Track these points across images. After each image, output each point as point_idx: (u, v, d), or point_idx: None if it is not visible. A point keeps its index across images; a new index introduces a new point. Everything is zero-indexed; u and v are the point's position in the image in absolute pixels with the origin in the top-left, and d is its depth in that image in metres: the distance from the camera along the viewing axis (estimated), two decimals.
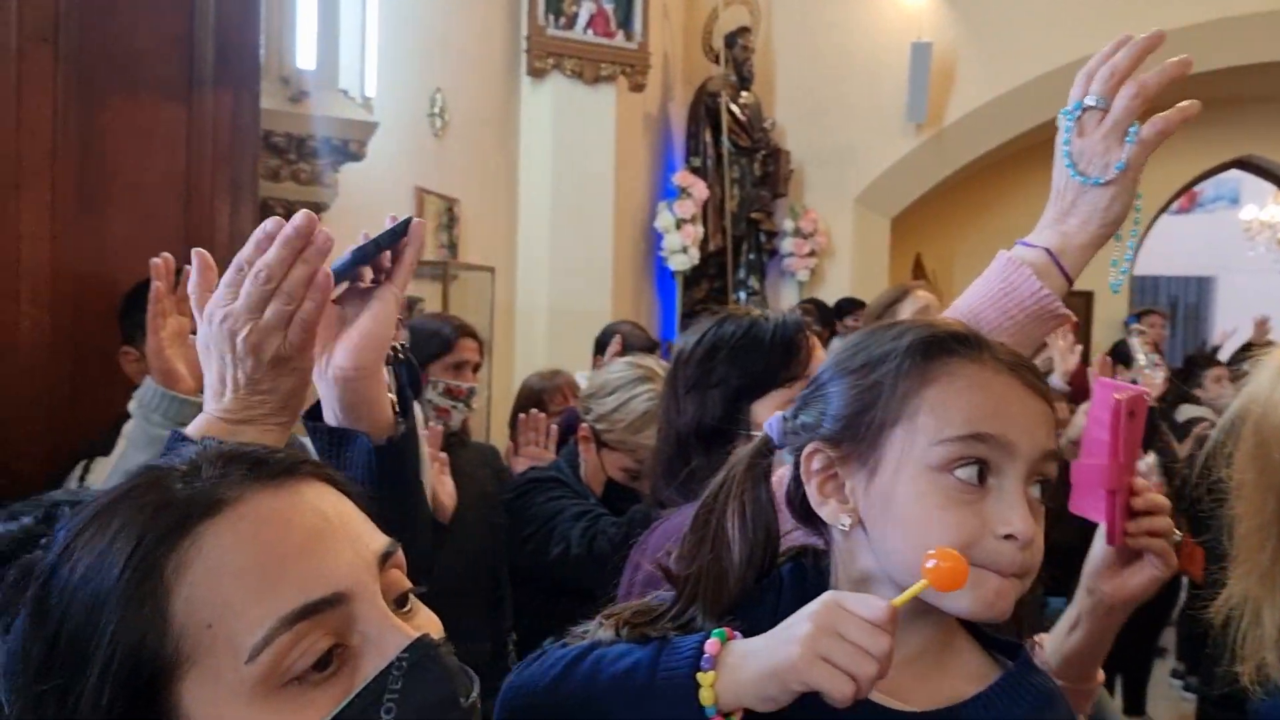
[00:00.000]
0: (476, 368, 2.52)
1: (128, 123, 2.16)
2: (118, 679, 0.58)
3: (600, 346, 3.73)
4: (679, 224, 5.84)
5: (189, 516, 0.60)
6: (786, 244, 6.62)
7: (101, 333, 2.09)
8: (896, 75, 6.49)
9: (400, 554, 0.66)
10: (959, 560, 0.76)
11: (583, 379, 3.60)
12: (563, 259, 5.05)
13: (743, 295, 6.43)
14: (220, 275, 0.89)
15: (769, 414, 1.37)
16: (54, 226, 2.05)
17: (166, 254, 1.65)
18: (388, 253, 0.95)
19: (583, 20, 5.12)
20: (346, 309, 0.95)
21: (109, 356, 2.07)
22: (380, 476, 0.93)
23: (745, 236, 6.41)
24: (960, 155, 6.98)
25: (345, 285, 0.95)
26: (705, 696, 0.77)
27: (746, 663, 0.78)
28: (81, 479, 1.72)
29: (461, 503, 2.29)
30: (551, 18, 5.02)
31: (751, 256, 6.45)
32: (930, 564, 0.76)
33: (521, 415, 2.68)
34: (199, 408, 1.61)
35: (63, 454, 2.01)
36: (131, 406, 1.60)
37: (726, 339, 1.43)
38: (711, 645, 0.80)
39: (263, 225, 0.85)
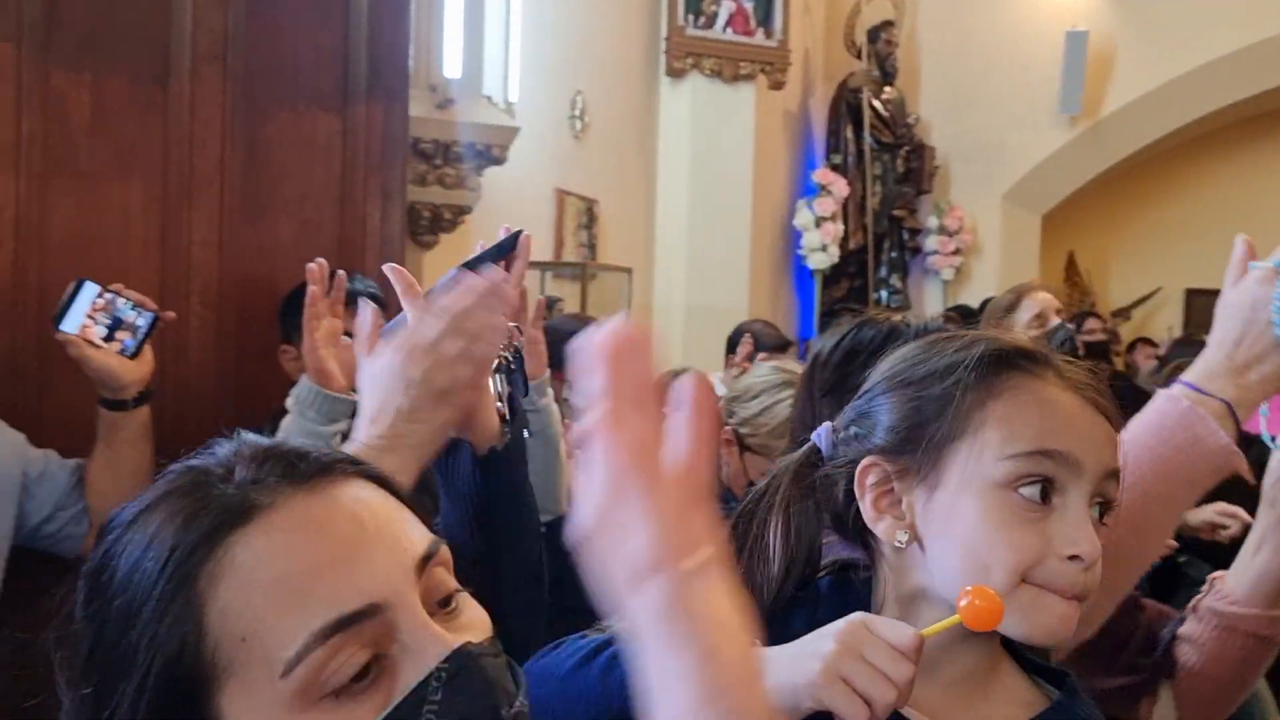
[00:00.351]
0: None
1: (288, 134, 2.29)
2: (156, 689, 0.57)
3: (732, 345, 3.74)
4: (818, 222, 5.78)
5: (221, 525, 0.59)
6: (930, 242, 6.47)
7: (263, 332, 2.23)
8: (1049, 66, 6.25)
9: (444, 552, 0.64)
10: (994, 600, 0.74)
11: (715, 379, 3.63)
12: (699, 258, 5.08)
13: (884, 294, 6.32)
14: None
15: None
16: (222, 232, 2.20)
17: (321, 260, 1.75)
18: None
19: (722, 19, 5.13)
20: None
21: (269, 355, 2.20)
22: (484, 485, 0.97)
23: (887, 234, 6.31)
24: (1118, 148, 6.68)
25: None
26: None
27: (766, 671, 0.77)
28: None
29: None
30: (691, 17, 5.04)
31: (894, 254, 6.34)
32: (964, 601, 0.74)
33: None
34: (350, 405, 1.72)
35: None
36: (289, 403, 1.70)
37: (866, 343, 1.42)
38: None
39: (453, 275, 0.93)
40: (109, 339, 1.71)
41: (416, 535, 0.63)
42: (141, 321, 1.78)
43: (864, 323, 1.45)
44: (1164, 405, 1.07)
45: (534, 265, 3.83)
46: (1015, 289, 3.13)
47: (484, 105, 3.07)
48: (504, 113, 3.17)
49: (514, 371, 1.05)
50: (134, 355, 1.76)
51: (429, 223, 2.94)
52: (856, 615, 0.77)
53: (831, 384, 1.41)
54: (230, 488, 0.61)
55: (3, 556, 1.68)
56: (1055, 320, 2.89)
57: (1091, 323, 6.45)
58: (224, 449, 0.64)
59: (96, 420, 1.81)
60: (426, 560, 0.62)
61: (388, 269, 1.00)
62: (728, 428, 2.26)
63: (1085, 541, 0.78)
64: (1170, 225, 7.90)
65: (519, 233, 0.98)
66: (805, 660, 0.75)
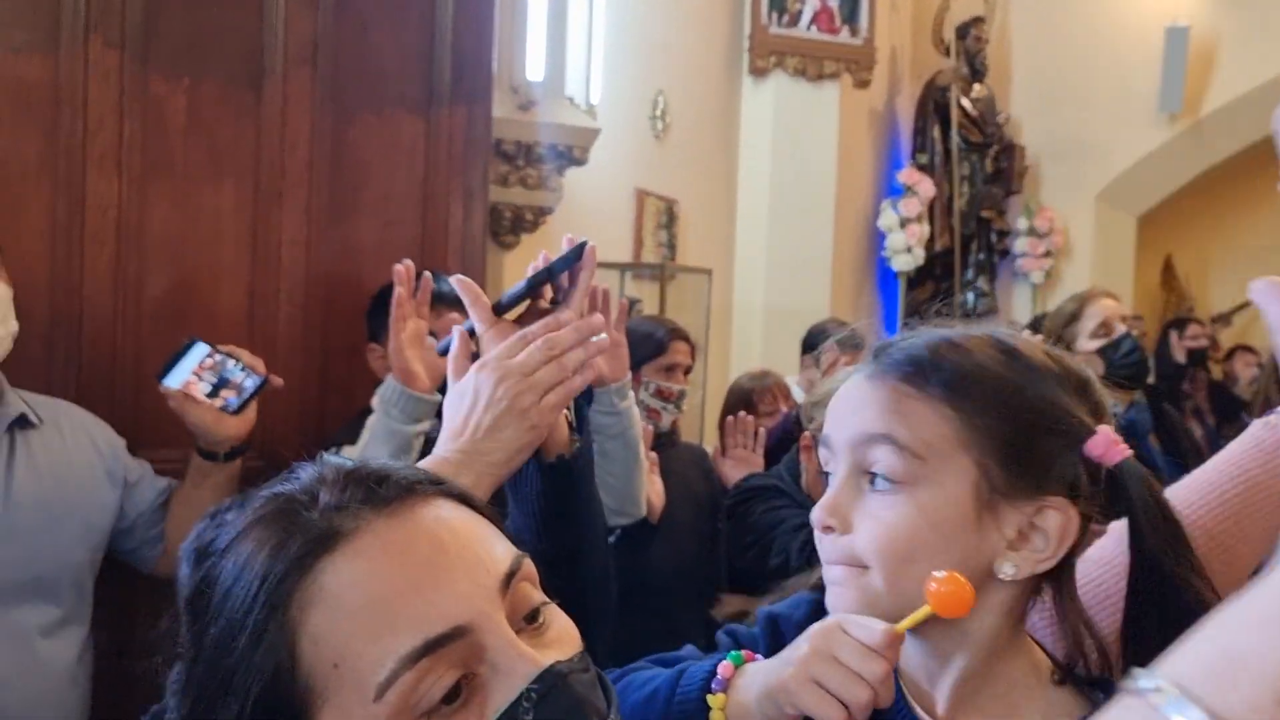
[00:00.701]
0: (688, 370, 2.56)
1: (374, 136, 2.33)
2: (254, 716, 0.59)
3: (807, 346, 3.69)
4: (903, 223, 5.68)
5: (309, 553, 0.60)
6: (1020, 243, 6.32)
7: (348, 331, 2.28)
8: (1148, 62, 6.05)
9: (528, 567, 0.65)
10: (963, 585, 0.74)
11: (792, 381, 3.59)
12: (780, 259, 5.03)
13: (971, 297, 6.19)
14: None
15: None
16: (310, 232, 2.25)
17: (408, 261, 1.78)
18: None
19: (806, 17, 5.08)
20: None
21: (355, 353, 2.25)
22: (552, 492, 0.98)
23: (975, 235, 6.17)
24: (1220, 148, 6.43)
25: (524, 305, 1.01)
26: (715, 719, 0.78)
27: (753, 682, 0.78)
28: None
29: (671, 502, 2.33)
30: (775, 15, 5.00)
31: (981, 256, 6.20)
32: (933, 587, 0.74)
33: (729, 418, 2.70)
34: (433, 405, 1.75)
35: (313, 440, 2.21)
36: (374, 402, 1.74)
37: None
38: (725, 668, 0.80)
39: (556, 314, 0.97)
40: (213, 394, 1.71)
41: (499, 552, 0.64)
42: (249, 383, 1.80)
43: None
44: (1261, 432, 1.05)
45: (613, 266, 3.84)
46: (1077, 296, 3.03)
47: (566, 106, 3.09)
48: (586, 114, 3.18)
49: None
50: (236, 412, 1.78)
51: (510, 223, 2.97)
52: (832, 617, 0.78)
53: None
54: (315, 514, 0.62)
55: (101, 549, 1.74)
56: (1121, 328, 2.78)
57: (1194, 328, 6.22)
58: (307, 473, 0.66)
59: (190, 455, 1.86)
60: (510, 577, 0.63)
61: (455, 281, 1.01)
62: (806, 433, 2.25)
63: (818, 509, 0.84)
64: (1274, 228, 7.58)
65: (584, 243, 0.99)
66: (783, 666, 0.76)
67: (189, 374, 1.71)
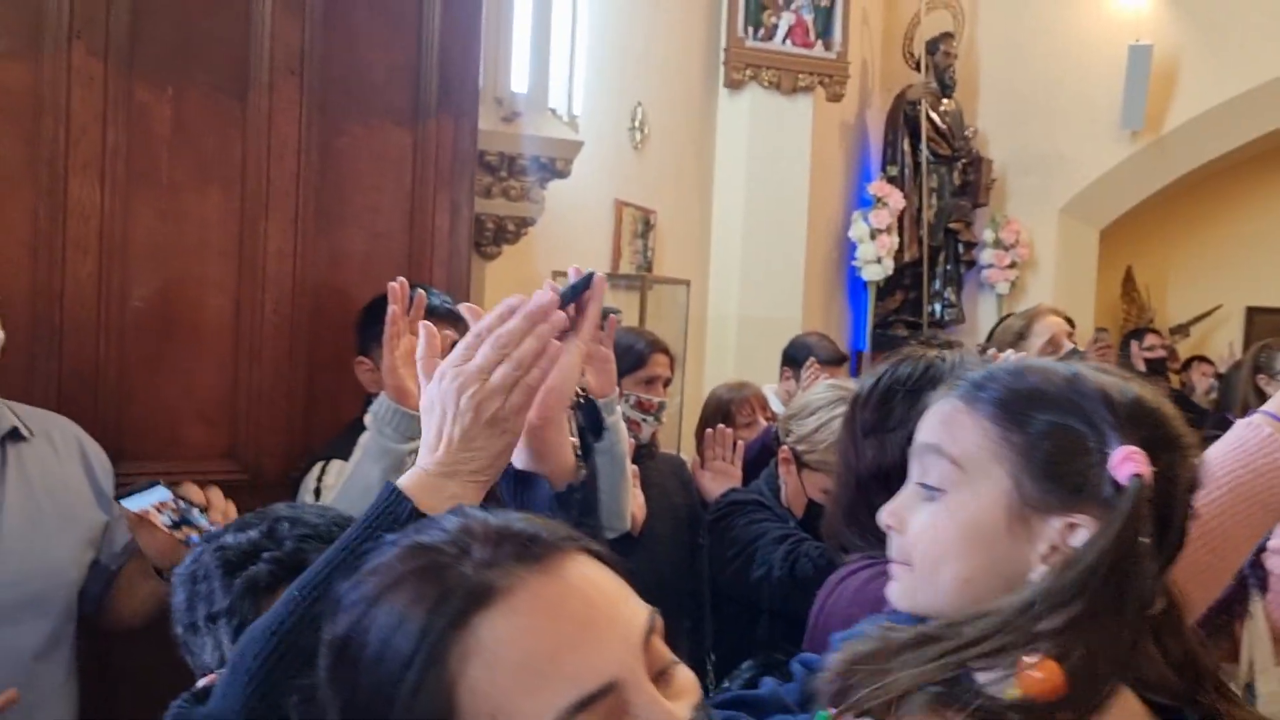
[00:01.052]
0: (667, 382, 2.58)
1: (361, 148, 2.32)
2: None
3: (787, 359, 3.72)
4: (873, 234, 5.74)
5: (467, 608, 0.63)
6: (986, 255, 6.41)
7: (335, 342, 2.26)
8: (1111, 80, 6.16)
9: (659, 621, 0.68)
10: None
11: (770, 391, 3.62)
12: (754, 269, 5.07)
13: (938, 307, 6.27)
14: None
15: None
16: (297, 243, 2.23)
17: (402, 278, 1.78)
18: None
19: (782, 31, 5.12)
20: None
21: (340, 364, 2.24)
22: (563, 519, 0.98)
23: (942, 247, 6.25)
24: (1181, 163, 6.57)
25: None
26: None
27: None
28: (319, 479, 1.87)
29: (651, 514, 2.34)
30: (751, 29, 5.04)
31: (948, 268, 6.28)
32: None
33: (708, 430, 2.71)
34: None
35: (298, 453, 2.20)
36: (367, 419, 1.73)
37: (903, 381, 1.43)
38: None
39: (506, 301, 0.93)
40: (174, 527, 1.61)
41: (635, 607, 0.68)
42: (213, 529, 1.72)
43: (901, 360, 1.46)
44: (1244, 432, 1.10)
45: None
46: (1026, 313, 3.09)
47: (548, 118, 3.09)
48: (568, 126, 3.19)
49: (584, 407, 1.06)
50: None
51: (493, 234, 2.97)
52: None
53: (873, 424, 1.42)
54: (469, 569, 0.65)
55: (87, 567, 1.68)
56: (1068, 345, 2.84)
57: (1152, 338, 6.36)
58: (450, 525, 0.68)
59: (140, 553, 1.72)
60: (649, 633, 0.66)
61: (464, 309, 1.00)
62: (784, 446, 2.26)
63: (884, 511, 0.94)
64: (1232, 242, 7.75)
65: (592, 274, 0.99)
66: None
67: (149, 506, 1.59)
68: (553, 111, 3.14)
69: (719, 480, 2.54)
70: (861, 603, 1.26)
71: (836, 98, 5.38)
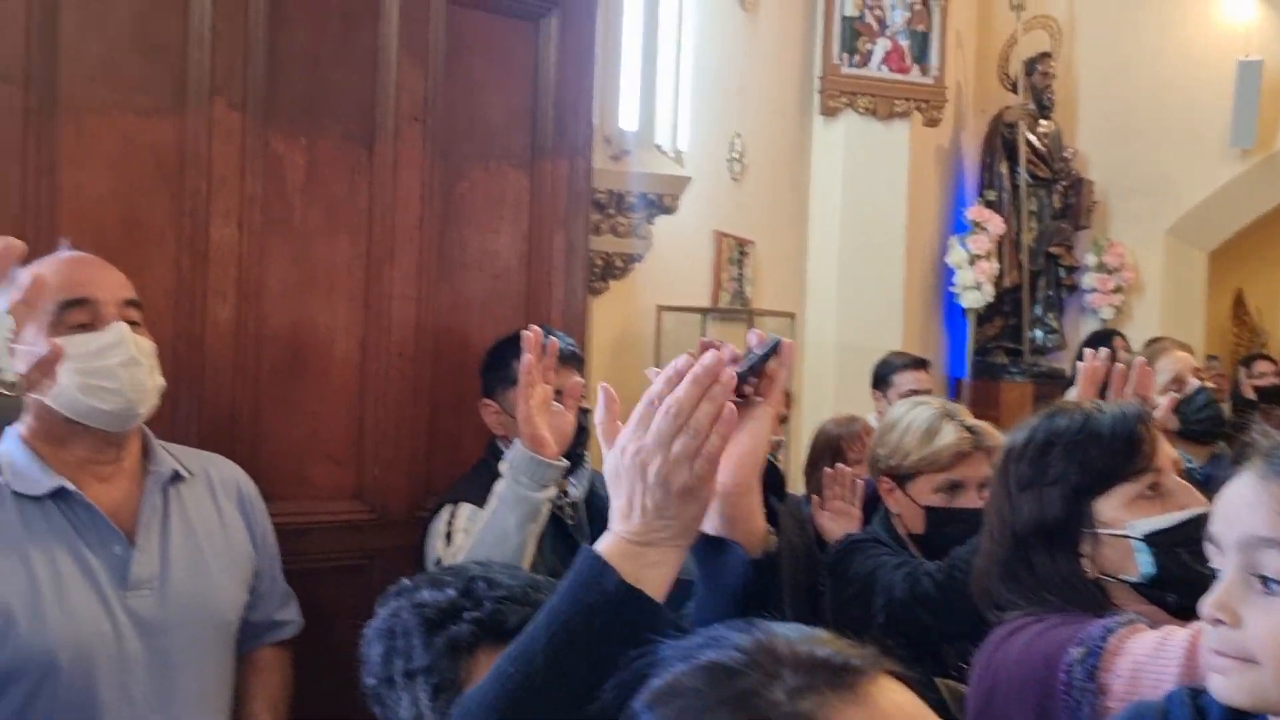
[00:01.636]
0: (785, 419, 2.57)
1: (480, 191, 2.37)
2: None
3: (876, 381, 3.67)
4: (972, 260, 5.65)
5: None
6: (1088, 279, 6.24)
7: (454, 383, 2.31)
8: (1219, 97, 5.98)
9: None
10: None
11: (873, 420, 3.57)
12: (852, 297, 5.02)
13: (1039, 333, 6.13)
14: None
15: (1115, 511, 1.33)
16: (419, 288, 2.28)
17: (535, 327, 1.80)
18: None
19: (877, 57, 5.09)
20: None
21: (460, 405, 2.28)
22: (753, 589, 0.97)
23: (1043, 271, 6.11)
24: None
25: None
26: None
27: None
28: (449, 522, 1.90)
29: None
30: (846, 56, 5.02)
31: (1050, 293, 6.14)
32: None
33: (828, 470, 2.68)
34: (560, 471, 1.76)
35: (422, 492, 2.24)
36: (502, 467, 1.75)
37: (1061, 433, 1.40)
38: None
39: (673, 364, 0.92)
40: None
41: None
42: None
43: (1055, 413, 1.42)
44: None
45: (694, 310, 3.86)
46: (1150, 349, 2.98)
47: (655, 155, 3.12)
48: (674, 161, 3.21)
49: (766, 471, 1.05)
50: None
51: (601, 270, 3.00)
52: None
53: (1030, 478, 1.39)
54: (781, 695, 0.63)
55: (240, 606, 1.72)
56: (1194, 382, 2.73)
57: (1262, 365, 6.11)
58: (744, 641, 0.67)
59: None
60: None
61: (601, 391, 1.00)
62: (882, 479, 2.23)
63: (1208, 604, 0.88)
64: None
65: (779, 341, 0.99)
66: None
67: None
68: (658, 147, 3.16)
69: (839, 521, 2.50)
70: (1032, 660, 1.22)
71: (933, 122, 5.32)
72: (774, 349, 0.98)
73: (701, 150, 3.77)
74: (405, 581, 1.19)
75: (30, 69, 1.91)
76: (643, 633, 0.77)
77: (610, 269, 3.00)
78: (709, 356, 0.92)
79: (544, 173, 2.43)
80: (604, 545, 0.90)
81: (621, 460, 0.91)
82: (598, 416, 0.98)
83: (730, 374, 0.92)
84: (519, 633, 0.95)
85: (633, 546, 0.89)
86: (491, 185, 2.38)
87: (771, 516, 1.03)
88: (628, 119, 2.94)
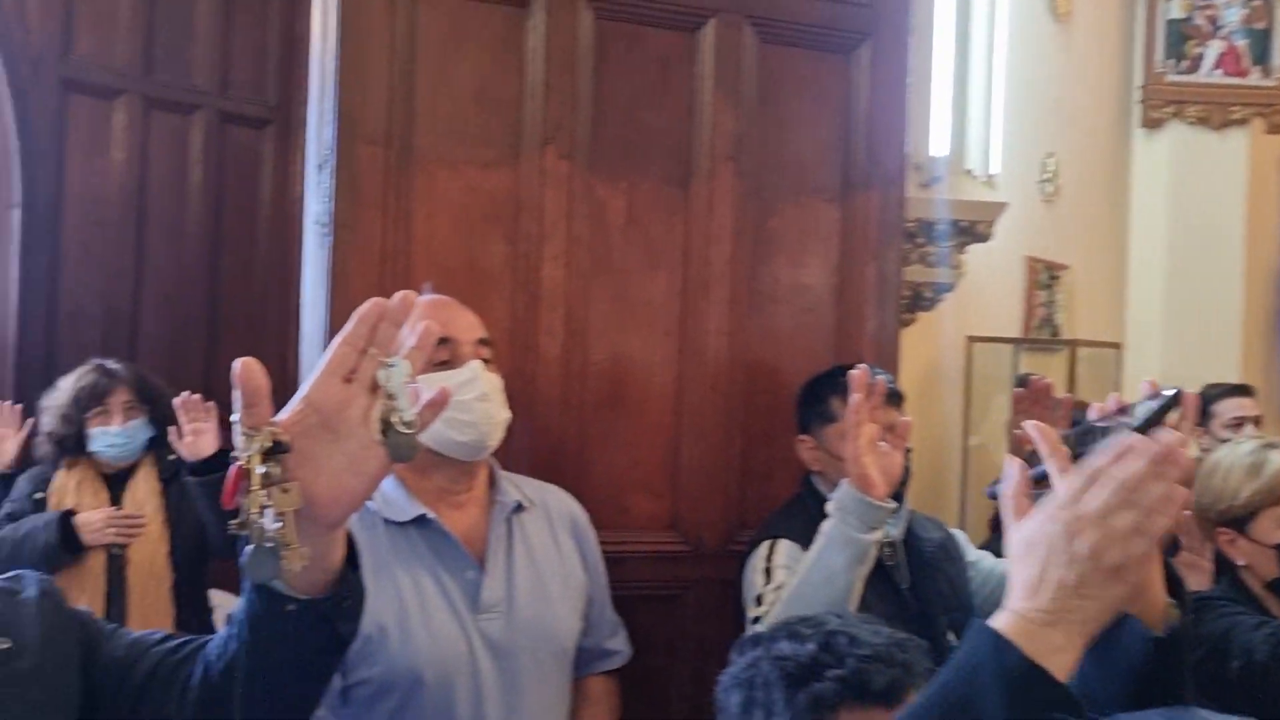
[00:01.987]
0: None
1: (791, 226, 2.37)
2: None
3: (1201, 415, 3.31)
4: None
5: None
6: None
7: (766, 417, 2.31)
8: None
9: None
10: None
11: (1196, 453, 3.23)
12: (1180, 325, 4.60)
13: None
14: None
15: None
16: (731, 322, 2.31)
17: (863, 365, 1.77)
18: None
19: (1209, 61, 4.65)
20: None
21: (771, 439, 2.28)
22: (1153, 669, 0.90)
23: None
24: None
25: None
26: None
27: None
28: (768, 558, 1.90)
29: None
30: (1172, 63, 4.62)
31: None
32: None
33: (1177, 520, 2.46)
34: (888, 513, 1.72)
35: (735, 525, 2.26)
36: (829, 507, 1.73)
37: None
38: None
39: (1120, 439, 0.87)
40: None
41: None
42: None
43: None
44: None
45: (1006, 340, 3.67)
46: None
47: (966, 181, 3.00)
48: (984, 185, 3.08)
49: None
50: None
51: (909, 301, 2.91)
52: None
53: None
54: None
55: (577, 633, 1.78)
56: None
57: None
58: None
59: None
60: None
61: (1039, 439, 0.94)
62: (1219, 531, 2.02)
63: None
64: None
65: (1179, 392, 0.91)
66: None
67: None
68: (969, 172, 3.04)
69: (1190, 575, 2.29)
70: None
71: (1276, 129, 4.78)
72: (1175, 400, 0.90)
73: (1012, 172, 3.59)
74: (761, 630, 1.19)
75: (391, 129, 2.12)
76: (1045, 716, 0.72)
77: (919, 300, 2.91)
78: (1166, 436, 0.87)
79: (856, 205, 2.40)
80: (1002, 623, 0.85)
81: (1046, 528, 0.86)
82: (1005, 487, 0.93)
83: (1190, 460, 0.87)
84: (886, 695, 0.92)
85: (1035, 627, 0.84)
86: (803, 219, 2.38)
87: (1172, 588, 0.94)
88: (938, 145, 2.85)
